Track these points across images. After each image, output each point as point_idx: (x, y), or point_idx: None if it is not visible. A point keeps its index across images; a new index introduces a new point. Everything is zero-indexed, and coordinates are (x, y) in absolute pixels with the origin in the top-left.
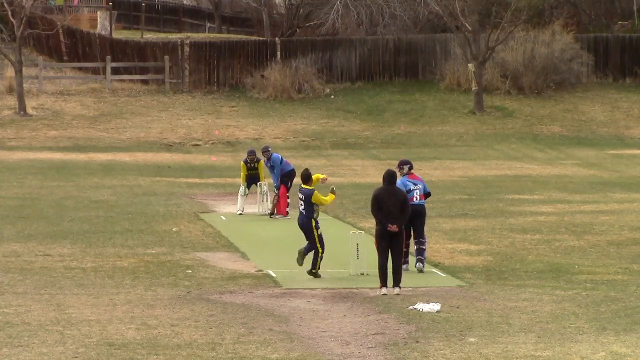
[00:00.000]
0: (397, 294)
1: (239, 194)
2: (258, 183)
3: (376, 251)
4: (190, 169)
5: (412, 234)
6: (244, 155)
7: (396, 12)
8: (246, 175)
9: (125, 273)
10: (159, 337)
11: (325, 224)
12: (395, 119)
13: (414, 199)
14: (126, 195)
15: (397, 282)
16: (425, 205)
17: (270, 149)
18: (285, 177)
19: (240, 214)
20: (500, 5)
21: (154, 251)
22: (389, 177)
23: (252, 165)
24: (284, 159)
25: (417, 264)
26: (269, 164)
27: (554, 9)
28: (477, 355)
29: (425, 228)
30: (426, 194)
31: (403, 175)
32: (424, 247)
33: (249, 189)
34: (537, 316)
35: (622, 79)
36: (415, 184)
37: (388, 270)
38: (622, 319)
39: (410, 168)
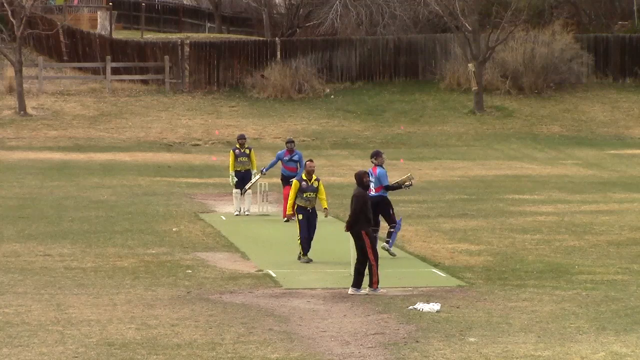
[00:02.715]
0: (354, 294)
1: (234, 195)
2: (254, 172)
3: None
4: (190, 169)
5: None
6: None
7: (396, 12)
8: (236, 171)
9: (125, 273)
10: (159, 337)
11: (325, 224)
12: (395, 119)
13: (371, 191)
14: (126, 195)
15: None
16: (385, 195)
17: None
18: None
19: (237, 214)
20: (500, 5)
21: (154, 251)
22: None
23: (243, 151)
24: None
25: (383, 244)
26: (293, 157)
27: (554, 9)
28: (477, 355)
29: (426, 228)
30: (384, 187)
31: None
32: (391, 230)
33: (240, 191)
34: (537, 316)
35: (622, 79)
36: (371, 177)
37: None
38: (622, 319)
39: (375, 159)
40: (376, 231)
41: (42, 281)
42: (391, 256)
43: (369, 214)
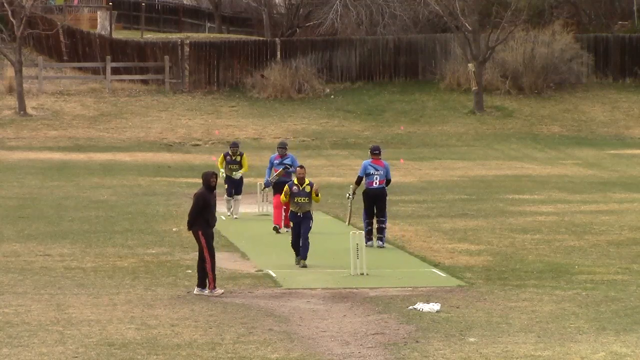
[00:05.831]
0: (199, 294)
1: (225, 199)
2: (239, 175)
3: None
4: (190, 169)
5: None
6: (248, 158)
7: (396, 12)
8: (227, 177)
9: (125, 273)
10: (159, 337)
11: (326, 224)
12: (395, 119)
13: (374, 183)
14: (126, 195)
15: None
16: (386, 189)
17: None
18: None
19: (233, 216)
20: (500, 5)
21: (154, 251)
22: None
23: (234, 159)
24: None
25: (378, 242)
26: (284, 161)
27: (554, 9)
28: (477, 355)
29: (426, 228)
30: (387, 180)
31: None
32: (384, 226)
33: (230, 195)
34: (537, 316)
35: (622, 79)
36: (376, 170)
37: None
38: (622, 319)
39: (377, 154)
40: (370, 224)
41: (42, 281)
42: (379, 247)
43: (207, 215)
